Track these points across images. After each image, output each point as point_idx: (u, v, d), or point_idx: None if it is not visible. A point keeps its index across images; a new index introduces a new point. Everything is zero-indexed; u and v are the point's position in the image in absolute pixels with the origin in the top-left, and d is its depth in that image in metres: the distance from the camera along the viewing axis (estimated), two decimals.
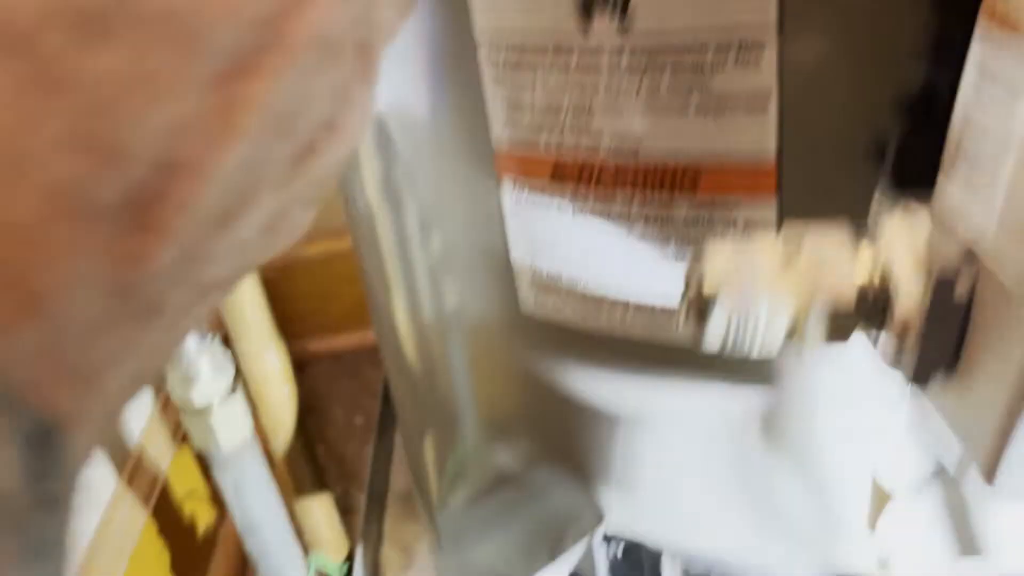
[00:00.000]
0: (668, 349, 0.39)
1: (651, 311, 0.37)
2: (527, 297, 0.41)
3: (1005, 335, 0.22)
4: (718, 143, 0.33)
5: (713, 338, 0.25)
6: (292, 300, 0.93)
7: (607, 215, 0.36)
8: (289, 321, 0.95)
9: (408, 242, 0.50)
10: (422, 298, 0.52)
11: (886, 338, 0.25)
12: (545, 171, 0.36)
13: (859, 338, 0.25)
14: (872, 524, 0.33)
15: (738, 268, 0.24)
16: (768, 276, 0.24)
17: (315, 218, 0.20)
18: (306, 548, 0.67)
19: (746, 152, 0.32)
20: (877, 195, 0.26)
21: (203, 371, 0.50)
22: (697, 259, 0.25)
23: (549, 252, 0.39)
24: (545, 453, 0.48)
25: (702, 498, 0.42)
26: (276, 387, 0.58)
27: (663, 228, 0.35)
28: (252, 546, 0.58)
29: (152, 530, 0.69)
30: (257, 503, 0.56)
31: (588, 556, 0.57)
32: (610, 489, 0.45)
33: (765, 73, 0.31)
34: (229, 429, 0.51)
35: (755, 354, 0.25)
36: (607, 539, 0.56)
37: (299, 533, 0.67)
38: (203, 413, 0.50)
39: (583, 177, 0.36)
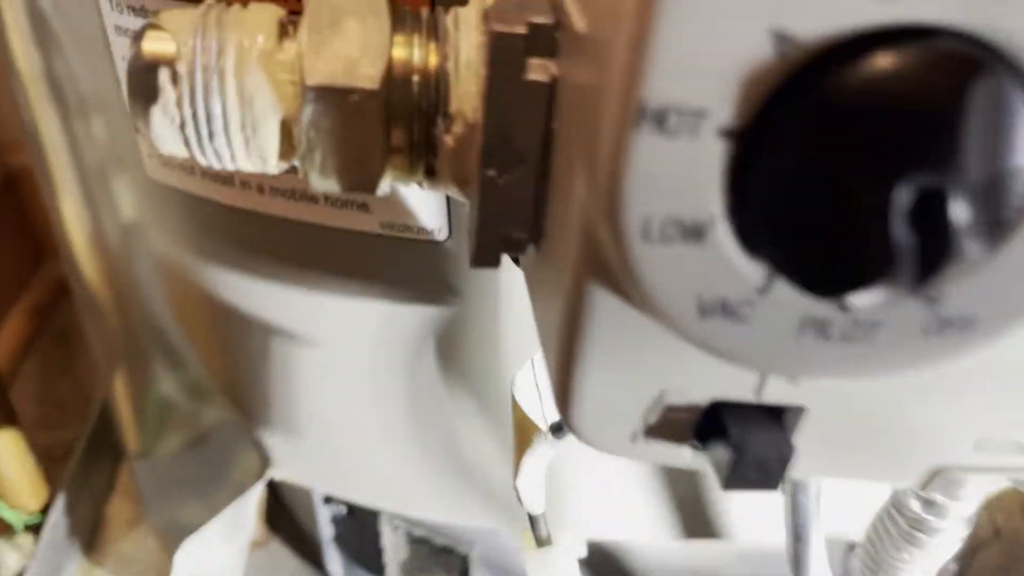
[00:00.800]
0: (325, 246, 0.30)
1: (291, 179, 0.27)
2: (149, 151, 0.30)
3: (575, 165, 0.13)
4: None
5: (161, 130, 0.15)
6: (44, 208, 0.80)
7: None
8: (46, 235, 0.82)
9: (74, 137, 0.39)
10: (97, 203, 0.41)
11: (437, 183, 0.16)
12: None
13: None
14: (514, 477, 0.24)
15: (203, 24, 0.15)
16: (248, 42, 0.14)
17: None
18: None
19: None
20: None
21: None
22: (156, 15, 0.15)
23: None
24: (215, 388, 0.38)
25: (373, 443, 0.33)
26: None
27: None
28: None
29: None
30: None
31: (310, 513, 0.47)
32: (274, 430, 0.35)
33: None
34: None
35: (233, 163, 0.15)
36: (328, 499, 0.47)
37: None
38: None
39: None
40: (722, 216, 0.11)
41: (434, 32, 0.15)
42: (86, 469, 0.61)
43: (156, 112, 0.15)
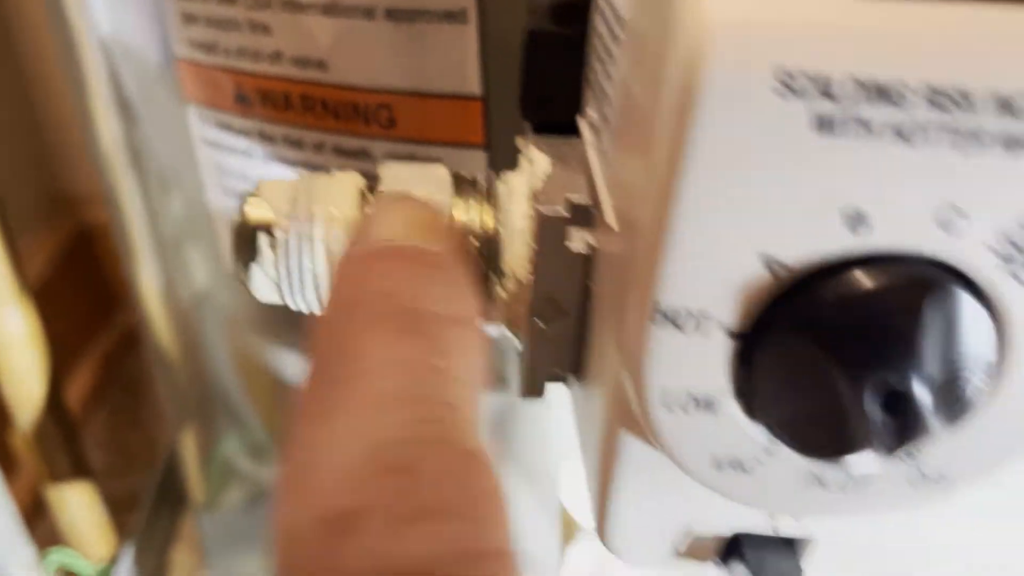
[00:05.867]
0: None
1: None
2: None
3: (608, 319, 0.15)
4: (414, 67, 0.26)
5: (259, 283, 0.18)
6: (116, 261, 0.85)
7: (300, 151, 0.29)
8: (117, 287, 0.87)
9: (152, 203, 0.42)
10: (171, 270, 0.44)
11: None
12: (227, 94, 0.29)
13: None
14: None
15: (296, 196, 0.17)
16: (334, 211, 0.17)
17: None
18: (63, 544, 0.59)
19: (447, 76, 0.26)
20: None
21: None
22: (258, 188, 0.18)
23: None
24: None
25: None
26: (19, 353, 0.50)
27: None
28: None
29: None
30: None
31: None
32: None
33: None
34: None
35: (319, 309, 0.18)
36: None
37: (53, 528, 0.59)
38: None
39: (268, 102, 0.28)
40: (730, 394, 0.13)
41: (490, 198, 0.18)
42: (153, 519, 0.64)
43: (256, 270, 0.18)
